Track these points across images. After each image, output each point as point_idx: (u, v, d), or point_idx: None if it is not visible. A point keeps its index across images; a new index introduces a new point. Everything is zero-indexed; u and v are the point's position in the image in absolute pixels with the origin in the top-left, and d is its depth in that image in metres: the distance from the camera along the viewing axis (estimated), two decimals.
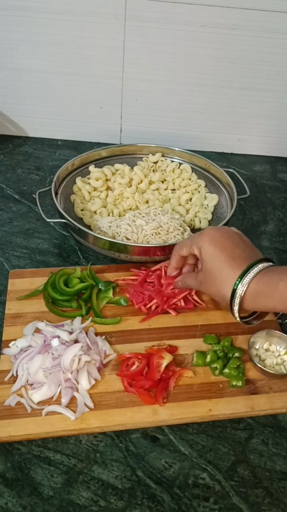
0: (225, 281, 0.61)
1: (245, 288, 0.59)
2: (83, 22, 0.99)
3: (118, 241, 0.80)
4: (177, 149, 1.03)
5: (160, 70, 1.05)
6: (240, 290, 0.59)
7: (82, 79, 1.07)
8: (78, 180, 0.96)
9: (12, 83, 1.08)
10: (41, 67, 1.06)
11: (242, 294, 0.59)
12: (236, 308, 0.60)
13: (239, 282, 0.59)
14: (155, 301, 0.76)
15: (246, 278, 0.59)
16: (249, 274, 0.59)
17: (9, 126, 1.16)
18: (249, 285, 0.59)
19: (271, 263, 0.61)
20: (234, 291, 0.60)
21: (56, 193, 0.89)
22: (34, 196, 0.93)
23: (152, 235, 0.83)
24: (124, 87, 1.08)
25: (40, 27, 1.00)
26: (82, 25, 0.99)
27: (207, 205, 0.96)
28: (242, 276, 0.59)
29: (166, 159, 1.03)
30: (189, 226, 0.90)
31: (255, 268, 0.59)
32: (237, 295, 0.60)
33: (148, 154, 1.03)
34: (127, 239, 0.83)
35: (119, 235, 0.84)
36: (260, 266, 0.60)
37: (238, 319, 0.63)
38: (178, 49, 1.02)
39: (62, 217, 0.83)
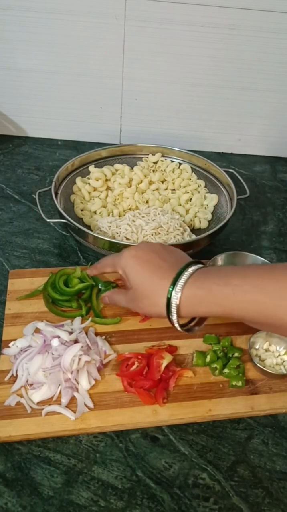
0: (157, 292, 0.57)
1: (179, 295, 0.55)
2: (83, 22, 0.99)
3: (118, 241, 0.80)
4: (176, 149, 1.03)
5: (160, 70, 1.05)
6: (175, 298, 0.55)
7: (82, 79, 1.08)
8: (78, 180, 0.96)
9: (12, 83, 1.08)
10: (41, 67, 1.06)
11: (178, 302, 0.55)
12: (173, 317, 0.57)
13: (172, 289, 0.56)
14: None
15: (178, 285, 0.55)
16: (181, 280, 0.56)
17: (9, 126, 1.16)
18: (183, 291, 0.55)
19: (200, 265, 0.58)
20: (168, 300, 0.56)
21: (56, 193, 0.89)
22: (34, 196, 0.93)
23: (152, 235, 0.83)
24: (124, 87, 1.08)
25: (40, 27, 1.00)
26: (82, 25, 0.99)
27: (207, 205, 0.96)
28: (174, 283, 0.56)
29: (165, 159, 1.03)
30: (188, 226, 0.90)
31: (186, 273, 0.56)
32: (173, 304, 0.56)
33: (148, 154, 1.03)
34: (127, 239, 0.83)
35: (119, 235, 0.84)
36: (190, 270, 0.56)
37: (178, 327, 0.58)
38: (178, 49, 1.02)
39: (62, 217, 0.83)
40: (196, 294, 0.55)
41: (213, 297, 0.54)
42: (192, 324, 0.62)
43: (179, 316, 0.57)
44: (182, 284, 0.55)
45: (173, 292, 0.56)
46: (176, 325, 0.58)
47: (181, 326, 0.59)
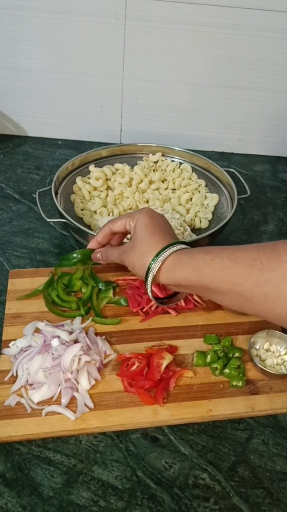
0: (149, 252, 0.62)
1: (158, 265, 0.61)
2: (84, 21, 0.99)
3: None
4: (177, 148, 1.03)
5: (160, 69, 1.05)
6: (155, 266, 0.61)
7: (83, 79, 1.07)
8: (78, 179, 0.96)
9: (12, 83, 1.08)
10: (41, 67, 1.06)
11: (155, 272, 0.61)
12: (148, 283, 0.62)
13: (156, 258, 0.61)
14: (153, 302, 0.76)
15: (161, 256, 0.61)
16: (172, 248, 0.61)
17: (9, 125, 1.16)
18: (168, 258, 0.61)
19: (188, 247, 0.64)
20: (149, 267, 0.61)
21: (56, 193, 0.89)
22: (34, 195, 0.93)
23: None
24: (124, 86, 1.08)
25: (40, 27, 1.00)
26: (82, 24, 0.99)
27: (207, 204, 0.96)
28: (166, 248, 0.61)
29: (166, 159, 1.03)
30: (189, 226, 0.90)
31: (178, 246, 0.62)
32: (151, 272, 0.61)
33: (148, 154, 1.03)
34: (128, 238, 0.83)
35: None
36: (183, 246, 0.62)
37: (149, 295, 0.64)
38: (178, 48, 1.02)
39: (62, 216, 0.83)
40: (179, 259, 0.60)
41: (194, 261, 0.58)
42: (165, 300, 0.70)
43: (153, 282, 0.62)
44: (170, 252, 0.61)
45: (154, 262, 0.61)
46: (149, 292, 0.63)
47: (156, 298, 0.66)
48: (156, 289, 0.76)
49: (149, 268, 0.62)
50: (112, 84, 1.08)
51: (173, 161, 1.03)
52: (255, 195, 1.06)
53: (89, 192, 0.95)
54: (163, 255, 0.61)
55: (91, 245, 0.74)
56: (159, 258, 0.61)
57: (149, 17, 0.98)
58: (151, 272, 0.61)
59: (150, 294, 0.64)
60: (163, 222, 0.67)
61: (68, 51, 1.03)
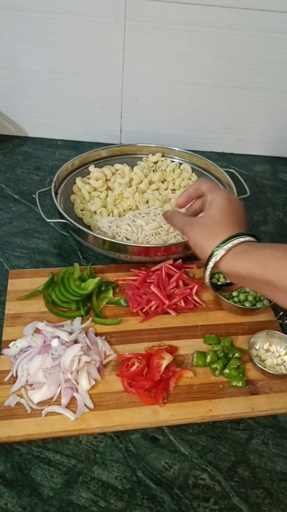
0: (217, 234, 0.59)
1: (231, 246, 0.58)
2: (84, 21, 0.99)
3: (118, 241, 0.79)
4: (176, 149, 1.03)
5: (160, 69, 1.05)
6: (226, 247, 0.58)
7: (82, 79, 1.07)
8: (78, 180, 0.96)
9: (12, 83, 1.08)
10: (41, 67, 1.06)
11: (217, 258, 0.58)
12: (209, 267, 0.60)
13: (230, 239, 0.58)
14: (153, 302, 0.76)
15: (235, 240, 0.58)
16: (240, 238, 0.58)
17: (9, 126, 1.16)
18: (234, 247, 0.58)
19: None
20: (212, 252, 0.59)
21: (56, 193, 0.89)
22: (34, 196, 0.93)
23: (152, 235, 0.83)
24: (124, 86, 1.08)
25: (40, 27, 1.00)
26: (82, 24, 0.99)
27: None
28: (234, 236, 0.59)
29: (165, 159, 1.03)
30: None
31: (247, 238, 0.59)
32: (213, 258, 0.59)
33: (148, 154, 1.03)
34: (127, 239, 0.83)
35: (119, 235, 0.84)
36: (252, 239, 0.59)
37: (207, 278, 0.61)
38: (178, 48, 1.02)
39: (62, 217, 0.83)
40: (247, 249, 0.57)
41: (262, 256, 0.56)
42: (223, 288, 0.68)
43: (214, 268, 0.59)
44: (234, 243, 0.58)
45: (219, 249, 0.58)
46: (207, 276, 0.61)
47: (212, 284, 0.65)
48: (156, 289, 0.76)
49: (212, 253, 0.59)
50: (112, 84, 1.08)
51: (172, 161, 1.03)
52: (255, 195, 1.06)
53: (89, 193, 0.95)
54: (230, 243, 0.58)
55: (178, 203, 0.71)
56: (225, 246, 0.58)
57: (149, 17, 0.98)
58: (214, 258, 0.58)
59: (207, 278, 0.62)
60: (239, 210, 0.64)
61: (68, 51, 1.03)
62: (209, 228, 0.61)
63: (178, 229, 0.68)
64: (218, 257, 0.58)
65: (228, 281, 0.68)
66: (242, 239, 0.58)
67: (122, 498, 0.56)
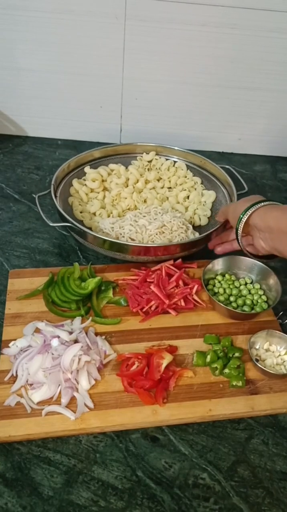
0: (248, 200, 0.74)
1: (259, 207, 0.71)
2: (84, 21, 0.99)
3: (125, 242, 0.78)
4: (171, 147, 1.03)
5: (160, 69, 1.05)
6: (255, 207, 0.71)
7: (82, 79, 1.07)
8: (75, 182, 0.95)
9: (12, 83, 1.08)
10: (41, 67, 1.06)
11: (245, 219, 0.71)
12: (240, 228, 0.73)
13: (258, 203, 0.71)
14: (153, 302, 0.76)
15: (262, 203, 0.71)
16: (266, 202, 0.72)
17: (9, 125, 1.16)
18: (262, 207, 0.71)
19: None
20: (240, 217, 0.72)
21: (55, 196, 0.88)
22: (34, 196, 0.93)
23: (157, 234, 0.83)
24: (124, 86, 1.08)
25: (40, 27, 1.00)
26: (82, 24, 0.99)
27: (205, 202, 0.96)
28: (261, 201, 0.72)
29: (160, 157, 1.03)
30: (189, 224, 0.89)
31: (272, 202, 0.72)
32: (242, 220, 0.72)
33: (142, 153, 1.03)
34: (132, 239, 0.83)
35: (123, 236, 0.83)
36: (277, 203, 0.72)
37: (239, 234, 0.74)
38: (178, 48, 1.02)
39: (65, 220, 0.81)
40: (273, 206, 0.71)
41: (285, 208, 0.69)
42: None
43: (244, 225, 0.72)
44: (261, 204, 0.71)
45: (247, 210, 0.72)
46: (239, 232, 0.74)
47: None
48: (156, 289, 0.76)
49: (246, 210, 0.71)
50: (112, 84, 1.08)
51: (167, 159, 1.03)
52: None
53: (87, 194, 0.95)
54: (261, 203, 0.71)
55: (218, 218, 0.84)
56: (257, 205, 0.71)
57: (149, 17, 0.98)
58: (250, 210, 0.71)
59: (239, 234, 0.74)
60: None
61: (68, 51, 1.03)
62: (242, 201, 0.75)
63: (222, 209, 0.83)
64: (251, 211, 0.71)
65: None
66: (267, 202, 0.71)
67: (122, 497, 0.56)
